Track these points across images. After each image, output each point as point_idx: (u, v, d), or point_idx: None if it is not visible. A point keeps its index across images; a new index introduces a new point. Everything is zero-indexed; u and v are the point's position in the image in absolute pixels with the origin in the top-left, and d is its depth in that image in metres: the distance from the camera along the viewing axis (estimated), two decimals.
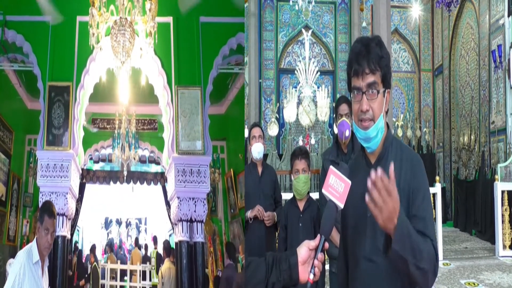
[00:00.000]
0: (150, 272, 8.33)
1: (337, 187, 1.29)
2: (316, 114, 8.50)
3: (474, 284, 4.82)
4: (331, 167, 1.32)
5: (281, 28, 9.84)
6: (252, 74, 9.27)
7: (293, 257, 1.26)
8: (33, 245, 2.37)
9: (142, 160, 6.48)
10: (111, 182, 7.25)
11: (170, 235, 7.92)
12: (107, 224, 15.41)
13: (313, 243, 1.26)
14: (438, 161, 9.85)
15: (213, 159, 5.74)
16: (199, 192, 4.48)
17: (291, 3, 8.20)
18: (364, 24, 9.45)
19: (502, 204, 6.11)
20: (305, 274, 1.25)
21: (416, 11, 9.62)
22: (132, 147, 5.26)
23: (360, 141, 1.52)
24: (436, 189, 6.02)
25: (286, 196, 3.79)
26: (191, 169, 4.39)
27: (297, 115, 8.51)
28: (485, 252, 6.38)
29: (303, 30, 9.02)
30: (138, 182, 7.36)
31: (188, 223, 4.48)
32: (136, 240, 11.04)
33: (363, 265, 1.49)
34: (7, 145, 5.67)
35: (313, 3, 7.87)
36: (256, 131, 3.40)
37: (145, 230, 16.55)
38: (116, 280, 8.18)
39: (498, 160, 7.25)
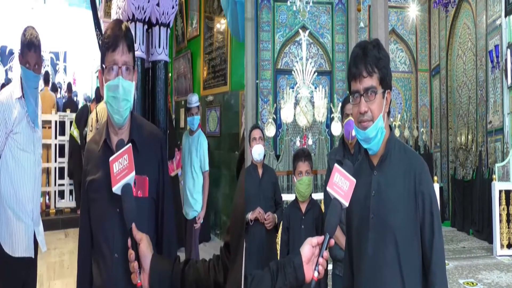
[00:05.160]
0: (71, 123, 6.36)
1: (341, 185, 1.29)
2: (314, 115, 8.49)
3: (472, 283, 4.82)
4: (336, 165, 1.32)
5: (278, 28, 9.82)
6: (249, 74, 9.24)
7: (297, 257, 1.26)
8: None
9: None
10: None
11: None
12: (5, 56, 11.27)
13: (315, 240, 1.26)
14: (435, 161, 9.87)
15: None
16: None
17: (288, 3, 8.17)
18: (361, 24, 9.44)
19: (500, 204, 6.15)
20: (310, 272, 1.25)
21: (413, 12, 9.62)
22: None
23: (361, 142, 1.53)
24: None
25: (285, 197, 3.78)
26: None
27: (294, 115, 8.48)
28: (482, 252, 6.39)
29: (300, 31, 8.98)
30: None
31: (145, 25, 2.67)
32: (46, 75, 7.74)
33: (367, 266, 1.50)
34: None
35: (310, 3, 7.84)
36: (257, 133, 3.40)
37: (64, 69, 12.70)
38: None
39: (495, 160, 7.27)
